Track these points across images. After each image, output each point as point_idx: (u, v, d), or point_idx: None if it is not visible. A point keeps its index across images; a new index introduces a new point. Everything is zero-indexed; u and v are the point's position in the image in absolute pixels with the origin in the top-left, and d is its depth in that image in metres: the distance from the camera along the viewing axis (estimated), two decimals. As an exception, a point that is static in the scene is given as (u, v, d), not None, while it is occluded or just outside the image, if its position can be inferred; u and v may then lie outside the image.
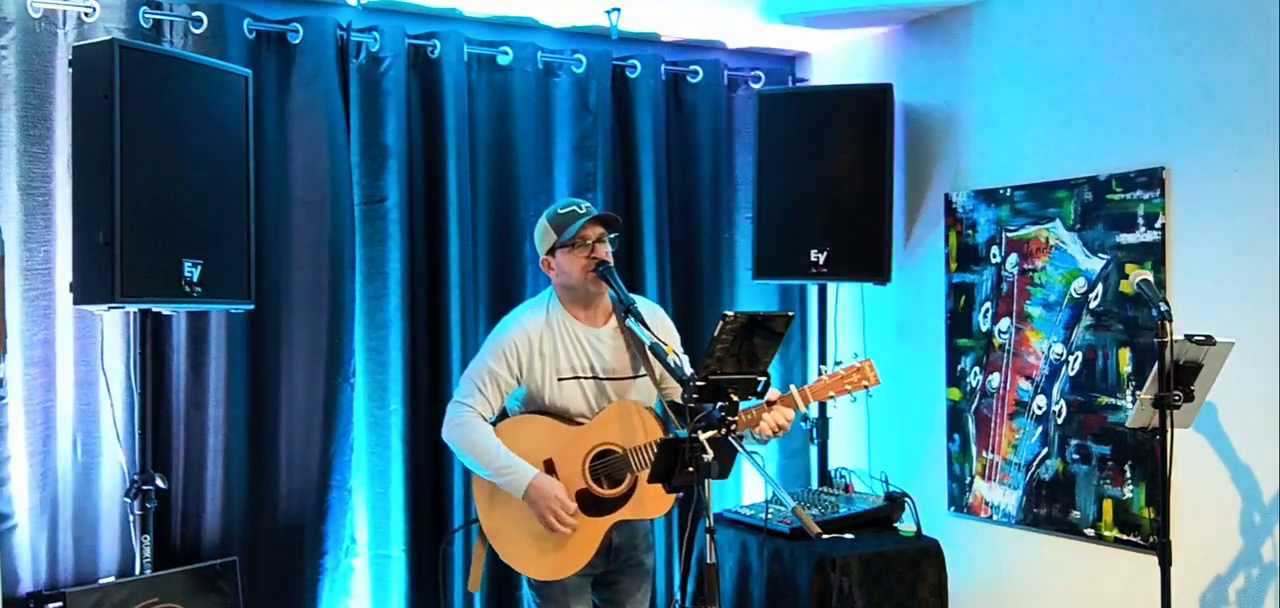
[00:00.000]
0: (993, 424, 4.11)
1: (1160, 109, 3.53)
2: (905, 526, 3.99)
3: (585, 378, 3.14)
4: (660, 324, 3.24)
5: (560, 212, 3.16)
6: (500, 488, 3.09)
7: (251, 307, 3.57)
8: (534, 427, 3.14)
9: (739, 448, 2.60)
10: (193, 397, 3.72)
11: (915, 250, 4.47)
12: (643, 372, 3.21)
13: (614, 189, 4.44)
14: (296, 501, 3.88)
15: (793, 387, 3.18)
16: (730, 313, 2.54)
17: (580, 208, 3.14)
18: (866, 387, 3.27)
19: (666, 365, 2.94)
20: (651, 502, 3.15)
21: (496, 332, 3.22)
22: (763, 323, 2.60)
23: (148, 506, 3.35)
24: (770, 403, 3.13)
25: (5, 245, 3.19)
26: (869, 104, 4.24)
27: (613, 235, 3.17)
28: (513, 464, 3.05)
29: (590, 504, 3.11)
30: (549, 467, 3.10)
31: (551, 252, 3.15)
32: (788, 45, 4.86)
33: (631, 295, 3.11)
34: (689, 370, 2.98)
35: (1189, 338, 2.90)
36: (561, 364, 3.13)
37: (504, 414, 3.23)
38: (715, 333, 2.54)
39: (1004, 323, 4.06)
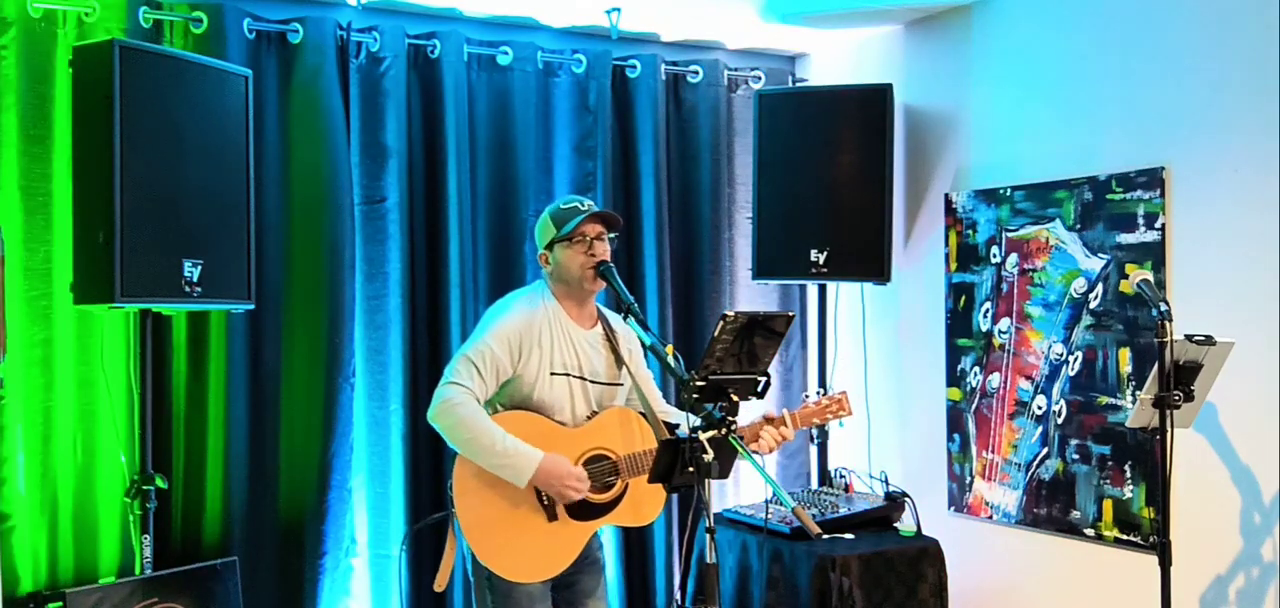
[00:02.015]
0: (993, 424, 4.11)
1: (1160, 109, 3.53)
2: (905, 526, 3.99)
3: (574, 376, 3.11)
4: (627, 336, 3.23)
5: (563, 207, 3.13)
6: (485, 484, 3.00)
7: (251, 307, 3.57)
8: (530, 423, 3.06)
9: (739, 448, 2.60)
10: (193, 397, 3.72)
11: (915, 250, 4.47)
12: (623, 379, 3.21)
13: (614, 189, 4.44)
14: (296, 501, 3.88)
15: (785, 411, 3.24)
16: (730, 313, 2.54)
17: (582, 204, 3.12)
18: (841, 417, 3.40)
19: (667, 366, 2.93)
20: (641, 509, 3.14)
21: (496, 315, 3.12)
22: (763, 323, 2.60)
23: (148, 506, 3.35)
24: (769, 419, 3.15)
25: (5, 245, 3.19)
26: (869, 104, 4.24)
27: (612, 235, 3.16)
28: (519, 448, 2.94)
29: (578, 509, 3.08)
30: None
31: (550, 246, 3.14)
32: (788, 45, 4.86)
33: (606, 311, 3.10)
34: (654, 387, 2.99)
35: (1189, 338, 2.90)
36: (555, 359, 3.09)
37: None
38: (715, 333, 2.54)
39: (1004, 323, 4.06)
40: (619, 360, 3.19)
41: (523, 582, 3.06)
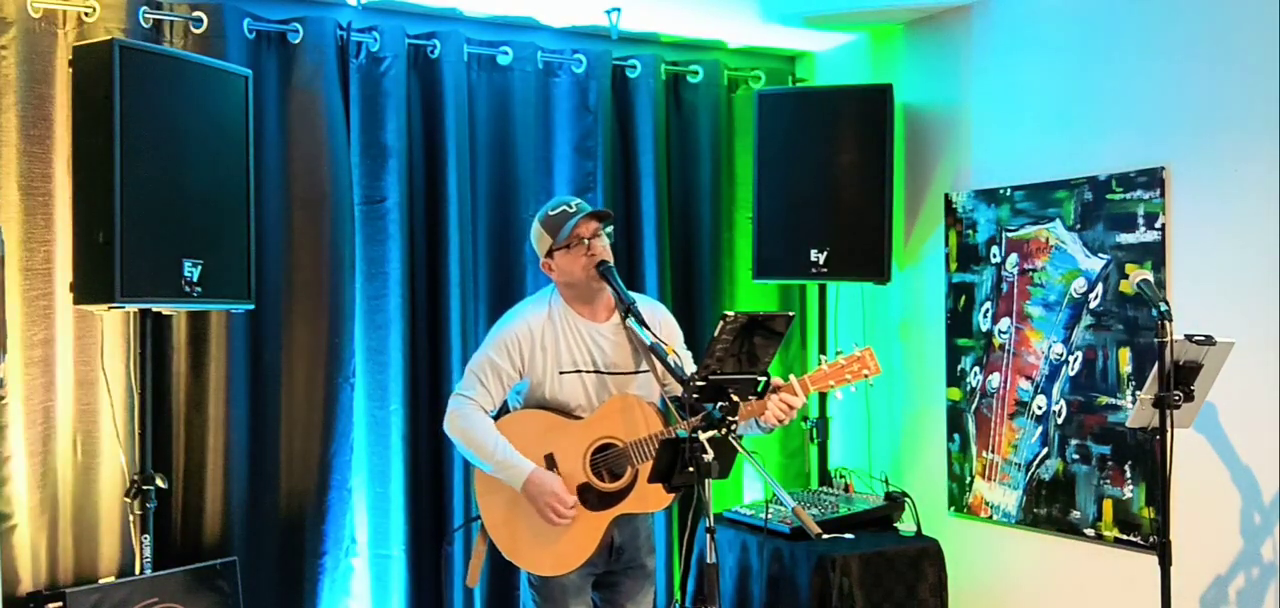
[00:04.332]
0: (993, 424, 4.11)
1: (1160, 109, 3.53)
2: (905, 526, 4.00)
3: (587, 372, 3.14)
4: (661, 323, 3.24)
5: (551, 214, 3.16)
6: (500, 484, 3.09)
7: (251, 307, 3.57)
8: (534, 421, 3.13)
9: (739, 448, 2.60)
10: (193, 397, 3.72)
11: (915, 250, 4.47)
12: (644, 367, 3.21)
13: (614, 189, 4.44)
14: (296, 501, 3.88)
15: (791, 376, 3.12)
16: (730, 313, 2.54)
17: (571, 206, 3.14)
18: (867, 376, 3.16)
19: (666, 365, 2.94)
20: (653, 495, 3.14)
21: (499, 325, 3.22)
22: (763, 323, 2.60)
23: (148, 506, 3.35)
24: (775, 386, 3.10)
25: (5, 245, 3.19)
26: (869, 104, 4.24)
27: (608, 229, 3.17)
28: (510, 458, 3.05)
29: (591, 498, 3.11)
30: (550, 462, 3.10)
31: (550, 253, 3.15)
32: (788, 45, 4.86)
33: (633, 294, 3.11)
34: (690, 369, 2.99)
35: (1189, 338, 2.90)
36: (563, 358, 3.13)
37: (504, 409, 3.22)
38: (715, 333, 2.54)
39: (1004, 323, 4.06)
40: (636, 348, 3.20)
41: (548, 575, 3.12)
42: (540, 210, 3.22)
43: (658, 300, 4.44)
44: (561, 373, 3.12)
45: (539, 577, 3.15)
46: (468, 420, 3.09)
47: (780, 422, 3.07)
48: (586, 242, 3.10)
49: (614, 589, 3.26)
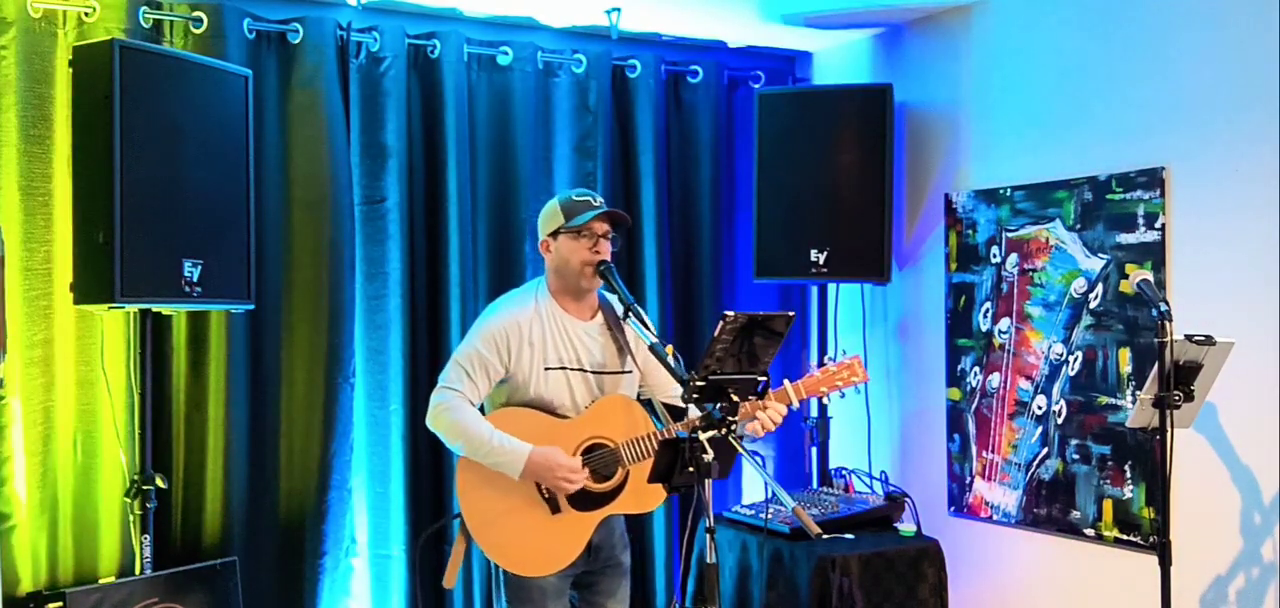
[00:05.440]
0: (993, 424, 4.11)
1: (1160, 109, 3.53)
2: (905, 526, 3.99)
3: (573, 369, 3.12)
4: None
5: (574, 199, 3.13)
6: (486, 482, 3.03)
7: (251, 307, 3.58)
8: (523, 419, 3.09)
9: (739, 448, 2.60)
10: (193, 397, 3.72)
11: (915, 250, 4.47)
12: (628, 367, 3.21)
13: (614, 189, 4.44)
14: (296, 501, 3.88)
15: (785, 381, 3.13)
16: (730, 313, 2.54)
17: (595, 199, 3.13)
18: (856, 383, 3.23)
19: (667, 366, 2.93)
20: (644, 496, 3.13)
21: (485, 318, 3.17)
22: (763, 323, 2.60)
23: (148, 506, 3.35)
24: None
25: (5, 245, 3.19)
26: (869, 104, 4.24)
27: (614, 235, 3.17)
28: (507, 443, 3.00)
29: (580, 499, 3.09)
30: None
31: (554, 234, 3.14)
32: (788, 45, 4.86)
33: (611, 297, 3.11)
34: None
35: (1189, 338, 2.90)
36: (549, 355, 3.10)
37: (482, 408, 3.20)
38: (715, 333, 2.54)
39: (1004, 323, 4.06)
40: (621, 348, 3.19)
41: (530, 576, 3.08)
42: (562, 192, 3.20)
43: (656, 302, 4.47)
44: (547, 369, 3.10)
45: (518, 579, 3.09)
46: (457, 413, 3.03)
47: (766, 430, 3.09)
48: (595, 238, 3.09)
49: (592, 589, 3.24)
